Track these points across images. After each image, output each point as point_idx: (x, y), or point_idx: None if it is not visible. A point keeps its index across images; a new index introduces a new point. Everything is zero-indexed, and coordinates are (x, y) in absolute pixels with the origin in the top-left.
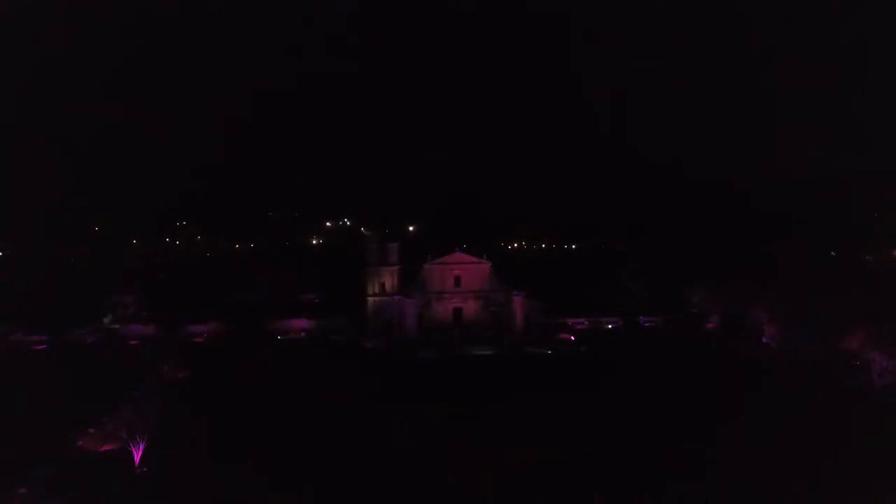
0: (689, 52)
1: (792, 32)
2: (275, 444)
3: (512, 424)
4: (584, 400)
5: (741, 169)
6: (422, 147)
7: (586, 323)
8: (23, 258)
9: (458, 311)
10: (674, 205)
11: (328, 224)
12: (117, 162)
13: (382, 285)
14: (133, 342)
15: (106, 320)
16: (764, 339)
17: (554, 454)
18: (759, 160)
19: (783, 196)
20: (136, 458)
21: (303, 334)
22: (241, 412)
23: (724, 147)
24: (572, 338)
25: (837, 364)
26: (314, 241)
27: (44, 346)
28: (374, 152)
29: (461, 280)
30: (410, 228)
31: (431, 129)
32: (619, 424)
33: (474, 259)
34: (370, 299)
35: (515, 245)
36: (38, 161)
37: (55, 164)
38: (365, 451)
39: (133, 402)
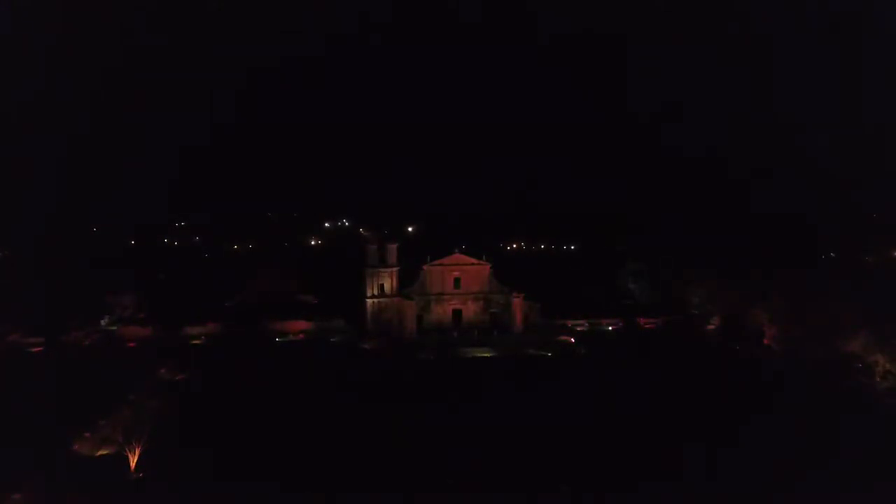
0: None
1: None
2: (274, 445)
3: (512, 425)
4: (584, 400)
5: (741, 168)
6: (422, 147)
7: (586, 324)
8: (22, 259)
9: (457, 313)
10: (673, 204)
11: (327, 224)
12: (117, 162)
13: (381, 286)
14: (131, 344)
15: (104, 322)
16: (765, 341)
17: (554, 454)
18: (760, 160)
19: (783, 196)
20: (132, 464)
21: (301, 336)
22: (239, 414)
23: (724, 146)
24: (572, 339)
25: (839, 366)
26: (314, 242)
27: (40, 348)
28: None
29: (461, 281)
30: (409, 229)
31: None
32: (619, 424)
33: (474, 260)
34: (369, 301)
35: (515, 246)
36: (38, 161)
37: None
38: (365, 451)
39: (130, 405)
